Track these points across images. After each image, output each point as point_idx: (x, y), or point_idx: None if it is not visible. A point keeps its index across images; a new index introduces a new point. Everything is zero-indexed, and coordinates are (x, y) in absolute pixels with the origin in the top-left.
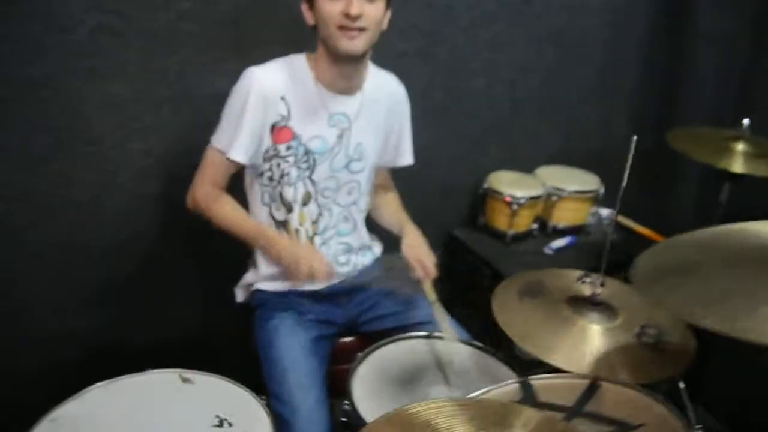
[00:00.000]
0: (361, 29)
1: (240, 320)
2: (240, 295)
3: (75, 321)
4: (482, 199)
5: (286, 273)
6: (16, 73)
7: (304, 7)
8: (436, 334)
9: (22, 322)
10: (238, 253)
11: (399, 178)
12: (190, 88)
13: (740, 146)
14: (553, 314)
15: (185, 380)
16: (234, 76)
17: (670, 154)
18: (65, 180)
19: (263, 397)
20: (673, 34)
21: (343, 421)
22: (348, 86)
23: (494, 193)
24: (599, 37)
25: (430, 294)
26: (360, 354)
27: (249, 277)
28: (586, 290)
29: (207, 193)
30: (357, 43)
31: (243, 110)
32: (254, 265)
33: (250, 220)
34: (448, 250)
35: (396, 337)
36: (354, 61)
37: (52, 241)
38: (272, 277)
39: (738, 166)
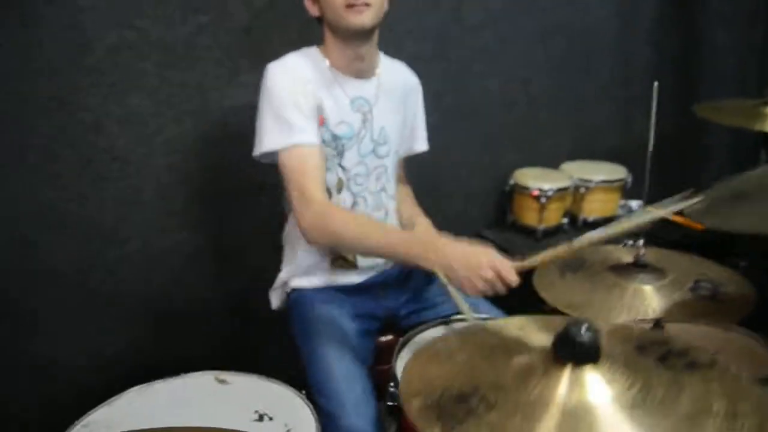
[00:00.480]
0: (367, 4)
1: (275, 326)
2: (275, 300)
3: (103, 340)
4: (509, 196)
5: (325, 264)
6: (36, 91)
7: (306, 1)
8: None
9: (49, 342)
10: (267, 260)
11: (421, 184)
12: (209, 101)
13: None
14: (600, 283)
15: (221, 381)
16: (250, 88)
17: (695, 137)
18: (90, 199)
19: (303, 392)
20: (683, 17)
21: (389, 405)
22: (362, 68)
23: (521, 189)
24: (608, 29)
25: (442, 279)
26: (402, 339)
27: (283, 275)
28: (628, 257)
29: (324, 206)
30: (365, 17)
31: (289, 95)
32: (290, 260)
33: (383, 228)
34: None
35: (438, 321)
36: (364, 37)
37: (78, 260)
38: (310, 270)
39: None
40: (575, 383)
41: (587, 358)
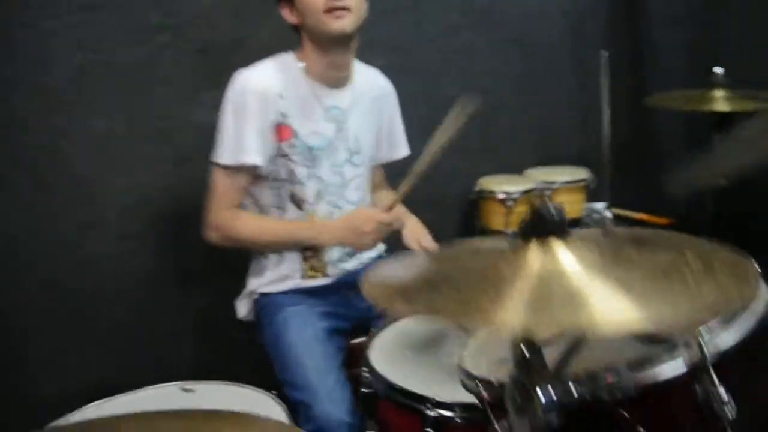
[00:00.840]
0: (347, 8)
1: (244, 336)
2: (242, 309)
3: (66, 359)
4: (475, 203)
5: (297, 275)
6: None
7: (282, 9)
8: None
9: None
10: (231, 272)
11: None
12: (171, 120)
13: (719, 93)
14: None
15: (186, 390)
16: (211, 106)
17: (650, 135)
18: (50, 219)
19: (273, 392)
20: (631, 23)
21: (365, 392)
22: (339, 77)
23: (487, 194)
24: (561, 41)
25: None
26: (374, 328)
27: (252, 285)
28: None
29: (226, 217)
30: (346, 22)
31: (244, 112)
32: (258, 272)
33: (279, 222)
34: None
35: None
36: (344, 44)
37: (40, 282)
38: (280, 280)
39: (722, 105)
40: (547, 255)
41: (558, 231)
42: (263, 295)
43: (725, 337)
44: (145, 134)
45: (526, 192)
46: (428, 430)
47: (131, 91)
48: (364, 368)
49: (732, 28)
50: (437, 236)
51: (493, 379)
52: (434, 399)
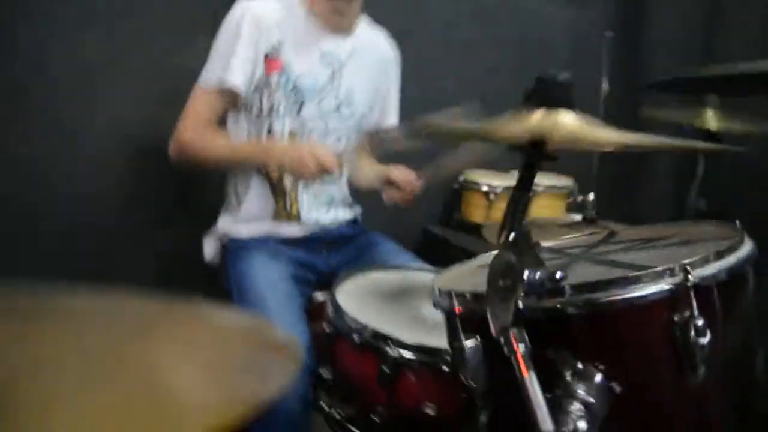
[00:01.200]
0: None
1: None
2: (209, 250)
3: None
4: (457, 194)
5: (268, 214)
6: None
7: None
8: None
9: None
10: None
11: None
12: (162, 63)
13: (710, 111)
14: None
15: None
16: (202, 53)
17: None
18: (26, 145)
19: None
20: (630, 41)
21: (328, 333)
22: (340, 24)
23: (471, 185)
24: (561, 48)
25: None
26: (343, 273)
27: (222, 224)
28: None
29: (195, 134)
30: None
31: (237, 36)
32: (231, 209)
33: (242, 143)
34: (424, 245)
35: (380, 264)
36: None
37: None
38: (251, 220)
39: (712, 123)
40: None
41: (565, 102)
42: (233, 240)
43: (709, 270)
44: (134, 71)
45: (510, 188)
46: (384, 368)
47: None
48: (328, 306)
49: None
50: (416, 222)
51: (467, 292)
52: (396, 338)
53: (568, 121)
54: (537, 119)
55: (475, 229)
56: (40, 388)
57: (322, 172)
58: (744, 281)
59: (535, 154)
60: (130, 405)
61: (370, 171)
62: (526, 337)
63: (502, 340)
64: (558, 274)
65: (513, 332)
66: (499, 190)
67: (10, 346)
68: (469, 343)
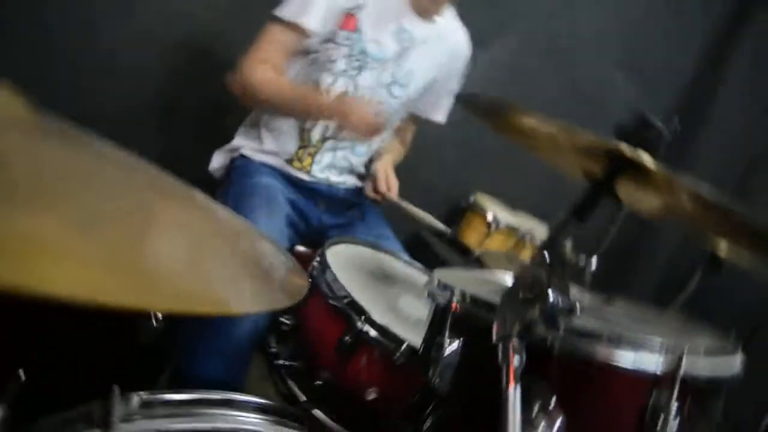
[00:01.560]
0: None
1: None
2: (216, 160)
3: None
4: (461, 212)
5: (289, 153)
6: None
7: None
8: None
9: None
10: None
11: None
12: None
13: None
14: None
15: None
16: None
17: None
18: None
19: None
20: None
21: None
22: (426, 8)
23: (477, 208)
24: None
25: (395, 198)
26: (338, 237)
27: (237, 141)
28: None
29: (256, 68)
30: None
31: None
32: (250, 136)
33: (298, 86)
34: (410, 247)
35: (375, 243)
36: None
37: None
38: (270, 152)
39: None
40: None
41: (652, 147)
42: (244, 156)
43: (701, 365)
44: None
45: (511, 228)
46: (347, 338)
47: None
48: (315, 260)
49: None
50: (409, 222)
51: (470, 293)
52: (369, 315)
53: (647, 161)
54: (622, 146)
55: (465, 252)
56: (48, 197)
57: (368, 129)
58: (721, 392)
59: (609, 177)
60: (114, 249)
61: (388, 156)
62: (524, 353)
63: (500, 346)
64: (577, 308)
65: (514, 342)
66: (501, 224)
67: (40, 159)
68: (450, 342)
